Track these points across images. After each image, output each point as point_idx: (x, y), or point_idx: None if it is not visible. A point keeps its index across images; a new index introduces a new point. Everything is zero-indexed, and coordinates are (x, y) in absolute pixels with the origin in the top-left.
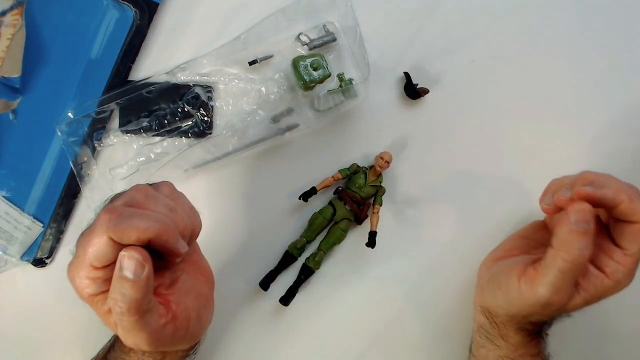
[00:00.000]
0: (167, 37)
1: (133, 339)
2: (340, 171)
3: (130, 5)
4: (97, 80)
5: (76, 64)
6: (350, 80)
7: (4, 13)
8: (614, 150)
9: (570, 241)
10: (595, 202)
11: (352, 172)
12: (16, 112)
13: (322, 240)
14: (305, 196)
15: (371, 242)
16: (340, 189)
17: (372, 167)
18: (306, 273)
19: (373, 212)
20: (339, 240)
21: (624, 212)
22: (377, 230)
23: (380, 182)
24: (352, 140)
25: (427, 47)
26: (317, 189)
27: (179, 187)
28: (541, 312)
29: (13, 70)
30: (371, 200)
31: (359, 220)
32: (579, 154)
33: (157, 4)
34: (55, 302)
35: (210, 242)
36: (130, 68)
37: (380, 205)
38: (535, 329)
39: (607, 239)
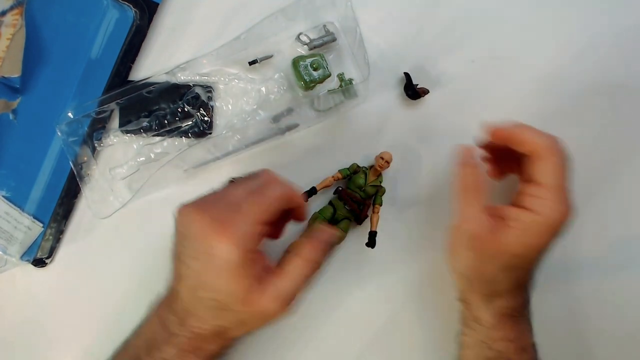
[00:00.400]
0: (167, 37)
1: None
2: (340, 171)
3: (130, 5)
4: (97, 80)
5: (76, 64)
6: (350, 80)
7: (4, 13)
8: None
9: (459, 173)
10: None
11: (352, 172)
12: (16, 112)
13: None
14: (305, 196)
15: (371, 242)
16: (340, 188)
17: (372, 167)
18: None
19: (373, 212)
20: (339, 240)
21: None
22: (377, 230)
23: (380, 182)
24: (352, 140)
25: (427, 47)
26: (317, 188)
27: (179, 187)
28: (484, 260)
29: (13, 70)
30: (371, 200)
31: (359, 220)
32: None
33: (157, 4)
34: (55, 302)
35: None
36: (130, 68)
37: (381, 205)
38: (505, 305)
39: (525, 182)
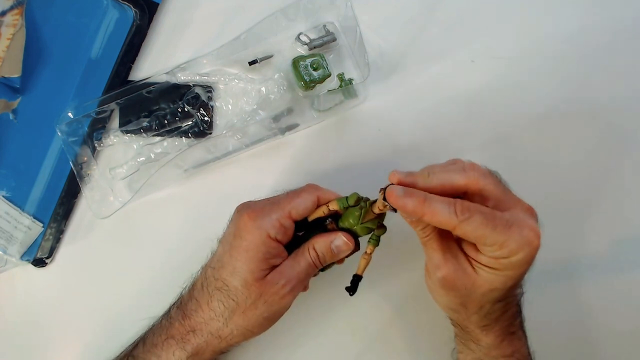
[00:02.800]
0: (167, 37)
1: None
2: (337, 201)
3: (130, 5)
4: (97, 80)
5: (76, 64)
6: (350, 80)
7: (4, 13)
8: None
9: (415, 230)
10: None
11: (350, 205)
12: (16, 112)
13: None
14: (296, 228)
15: (352, 287)
16: (328, 222)
17: (374, 202)
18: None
19: (365, 252)
20: (328, 266)
21: (438, 224)
22: (362, 276)
23: (377, 224)
24: (352, 140)
25: (427, 47)
26: (309, 220)
27: (179, 187)
28: (465, 297)
29: (13, 70)
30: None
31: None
32: (573, 153)
33: (157, 4)
34: (55, 302)
35: (209, 242)
36: (130, 68)
37: (375, 246)
38: (503, 326)
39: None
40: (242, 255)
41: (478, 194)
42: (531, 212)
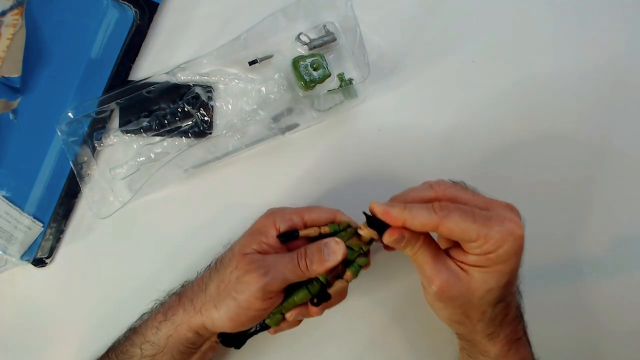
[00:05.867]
0: (167, 37)
1: None
2: (329, 225)
3: (130, 5)
4: (97, 80)
5: (76, 64)
6: (350, 80)
7: (4, 13)
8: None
9: (404, 252)
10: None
11: (340, 229)
12: (16, 112)
13: (285, 301)
14: (286, 238)
15: (319, 296)
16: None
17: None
18: (261, 328)
19: (342, 278)
20: (300, 299)
21: (420, 227)
22: (331, 295)
23: (360, 250)
24: (352, 140)
25: (427, 47)
26: (300, 234)
27: (179, 187)
28: (465, 305)
29: (13, 70)
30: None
31: (323, 298)
32: (572, 153)
33: (157, 4)
34: (55, 302)
35: (209, 242)
36: (130, 68)
37: (354, 277)
38: (509, 332)
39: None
40: (246, 233)
41: (449, 200)
42: (510, 207)
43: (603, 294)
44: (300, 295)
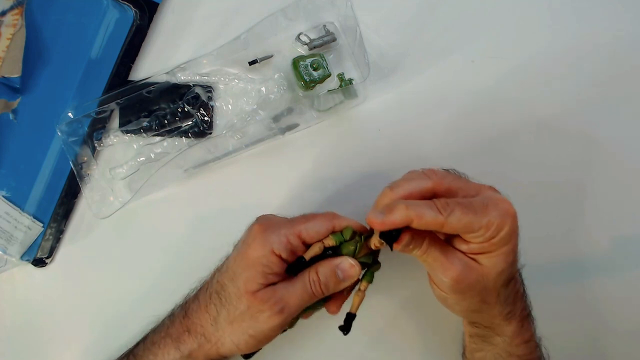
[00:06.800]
0: (167, 37)
1: None
2: (332, 236)
3: (130, 5)
4: (97, 80)
5: (76, 64)
6: (350, 80)
7: (4, 13)
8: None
9: (412, 254)
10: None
11: (345, 239)
12: (16, 112)
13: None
14: (294, 269)
15: (346, 327)
16: (328, 254)
17: (368, 237)
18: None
19: (358, 289)
20: (315, 308)
21: (426, 226)
22: (356, 314)
23: (373, 259)
24: (352, 140)
25: (427, 47)
26: (306, 258)
27: (179, 187)
28: (480, 292)
29: (13, 70)
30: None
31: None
32: (573, 153)
33: (157, 4)
34: (55, 302)
35: (209, 242)
36: (130, 68)
37: (369, 283)
38: (522, 308)
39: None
40: (244, 262)
41: (445, 192)
42: (493, 189)
43: (605, 292)
44: (317, 307)
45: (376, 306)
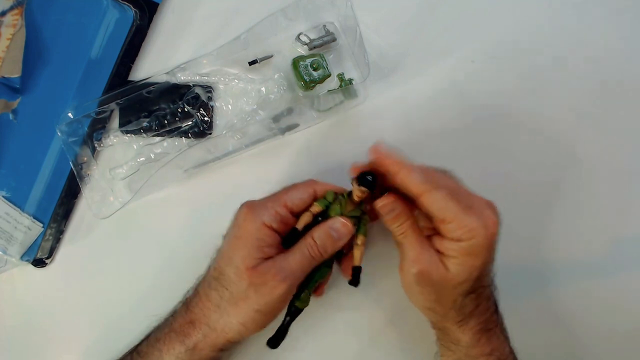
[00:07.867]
0: (167, 37)
1: None
2: (317, 203)
3: (130, 5)
4: (97, 80)
5: (76, 64)
6: (350, 80)
7: (4, 13)
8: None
9: (391, 227)
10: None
11: (330, 202)
12: (16, 112)
13: (306, 279)
14: (290, 241)
15: (355, 280)
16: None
17: (350, 193)
18: (294, 313)
19: (356, 244)
20: (322, 276)
21: (408, 187)
22: (361, 266)
23: (361, 211)
24: (352, 140)
25: (427, 47)
26: (299, 229)
27: (179, 187)
28: (439, 292)
29: (13, 70)
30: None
31: (339, 256)
32: (572, 153)
33: (157, 4)
34: (55, 302)
35: (209, 242)
36: (130, 68)
37: (365, 236)
38: (479, 321)
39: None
40: (237, 242)
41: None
42: (490, 205)
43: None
44: (322, 273)
45: (376, 306)
